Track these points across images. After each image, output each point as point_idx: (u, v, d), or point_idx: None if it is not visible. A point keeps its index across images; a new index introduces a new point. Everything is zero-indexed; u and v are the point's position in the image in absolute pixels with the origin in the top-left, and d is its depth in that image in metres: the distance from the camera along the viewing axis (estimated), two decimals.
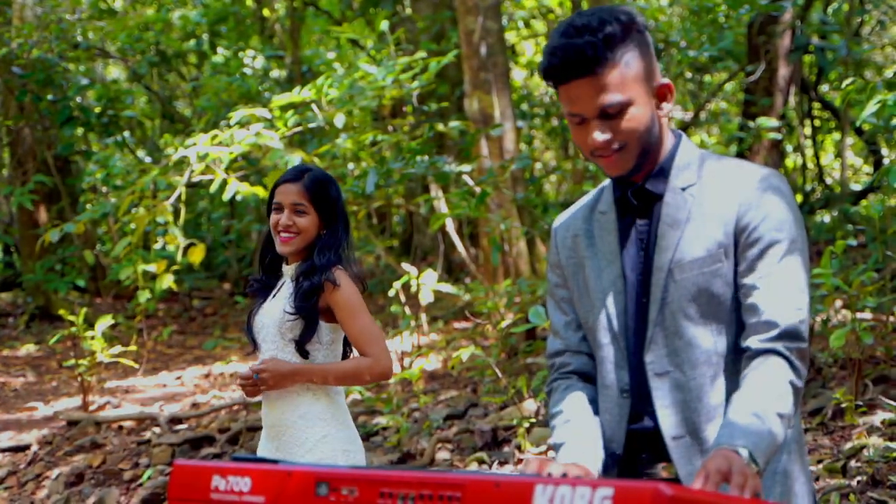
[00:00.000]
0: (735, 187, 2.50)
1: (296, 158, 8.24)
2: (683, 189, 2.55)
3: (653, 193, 2.57)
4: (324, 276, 3.86)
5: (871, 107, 5.78)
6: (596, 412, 2.63)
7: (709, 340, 2.50)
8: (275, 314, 3.90)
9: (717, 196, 2.51)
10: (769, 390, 2.36)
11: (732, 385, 2.49)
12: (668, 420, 2.51)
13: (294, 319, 3.86)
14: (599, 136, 2.47)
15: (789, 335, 2.42)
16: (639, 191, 2.58)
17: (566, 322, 2.72)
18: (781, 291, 2.44)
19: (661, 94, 2.53)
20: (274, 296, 3.97)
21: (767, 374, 2.39)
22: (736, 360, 2.50)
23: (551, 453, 2.64)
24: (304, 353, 3.88)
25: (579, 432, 2.57)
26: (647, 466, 2.59)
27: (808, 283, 2.48)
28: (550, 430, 2.65)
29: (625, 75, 2.45)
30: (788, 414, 2.36)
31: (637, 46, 2.48)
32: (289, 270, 3.99)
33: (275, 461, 2.20)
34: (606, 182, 2.70)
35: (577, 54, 2.41)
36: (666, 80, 2.54)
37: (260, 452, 3.99)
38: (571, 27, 2.44)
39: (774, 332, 2.42)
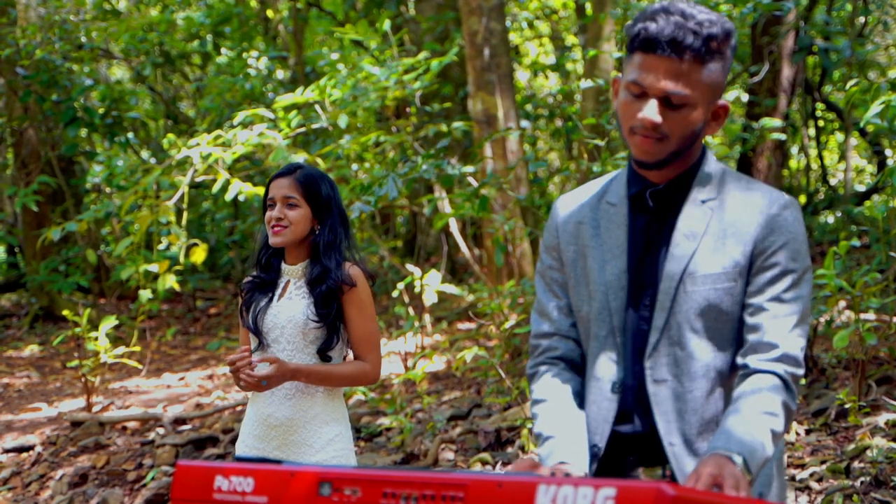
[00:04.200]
0: (758, 210, 2.51)
1: (299, 159, 8.25)
2: (703, 202, 2.55)
3: (671, 199, 2.58)
4: (339, 277, 3.90)
5: (875, 108, 5.78)
6: (581, 405, 2.63)
7: (710, 355, 2.52)
8: (294, 317, 3.91)
9: (737, 215, 2.52)
10: (766, 407, 2.39)
11: (728, 402, 2.52)
12: (664, 427, 2.52)
13: (319, 326, 3.89)
14: (653, 115, 2.46)
15: (789, 360, 2.46)
16: (657, 194, 2.59)
17: (558, 305, 2.70)
18: (787, 318, 2.47)
19: (716, 113, 2.55)
20: (280, 296, 3.98)
21: (765, 392, 2.41)
22: (734, 378, 2.53)
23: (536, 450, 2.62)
24: (326, 358, 3.93)
25: (567, 428, 2.56)
26: (629, 469, 2.59)
27: (809, 313, 2.52)
28: (533, 416, 2.64)
29: (702, 77, 2.46)
30: (780, 433, 2.40)
31: (723, 61, 2.49)
32: (291, 270, 4.00)
33: (278, 461, 2.20)
34: (615, 173, 2.70)
35: (677, 33, 2.42)
36: (724, 102, 2.54)
37: (248, 453, 3.97)
38: (685, 8, 2.45)
39: (776, 354, 2.45)
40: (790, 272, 2.48)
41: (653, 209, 2.59)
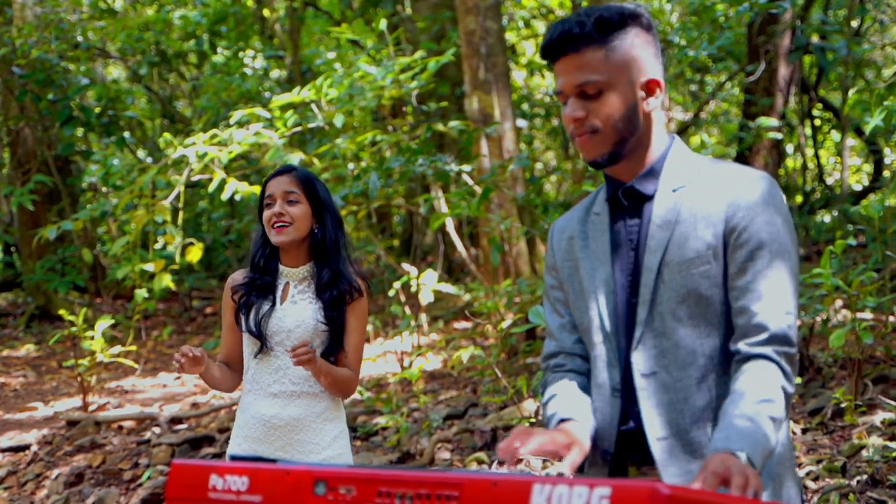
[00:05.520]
0: (725, 189, 2.50)
1: (295, 158, 8.24)
2: (674, 191, 2.55)
3: (642, 194, 2.58)
4: (350, 283, 3.91)
5: (878, 117, 5.78)
6: (588, 396, 2.64)
7: (696, 342, 2.50)
8: (304, 321, 3.89)
9: (707, 198, 2.51)
10: (762, 395, 2.36)
11: (720, 388, 2.50)
12: (652, 421, 2.51)
13: (327, 330, 3.89)
14: (573, 111, 2.51)
15: (779, 339, 2.43)
16: (629, 191, 2.60)
17: (561, 324, 2.73)
18: (771, 295, 2.44)
19: (648, 89, 2.55)
20: (283, 299, 3.95)
21: (759, 379, 2.39)
22: (724, 363, 2.50)
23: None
24: (330, 363, 3.92)
25: (569, 401, 2.59)
26: (638, 467, 2.59)
27: (797, 287, 2.48)
28: (543, 415, 2.66)
29: (609, 59, 2.49)
30: (780, 418, 2.36)
31: (633, 38, 2.52)
32: (291, 273, 3.97)
33: (273, 460, 2.20)
34: (602, 185, 2.72)
35: (566, 31, 2.49)
36: (655, 76, 2.55)
37: (244, 453, 3.93)
38: (575, 12, 2.53)
39: (764, 336, 2.42)
40: (765, 246, 2.45)
41: (628, 207, 2.61)
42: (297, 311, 3.91)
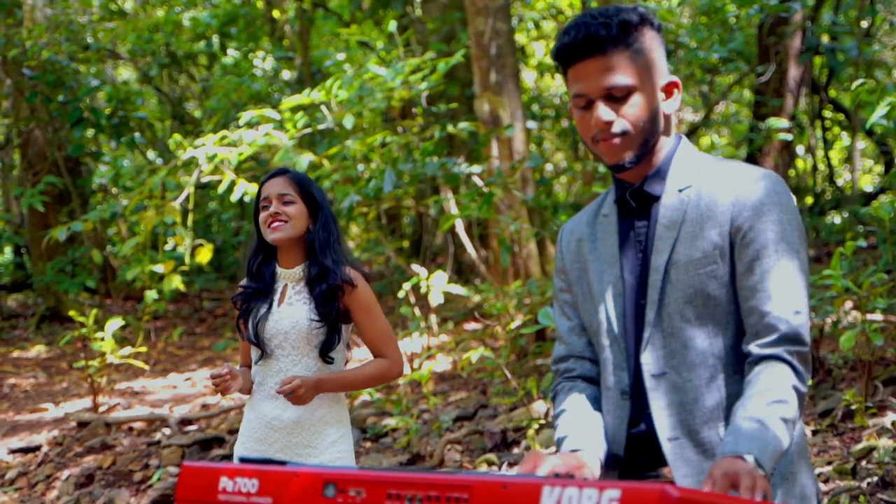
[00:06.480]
0: (731, 189, 2.49)
1: (305, 159, 8.24)
2: (680, 191, 2.55)
3: (650, 195, 2.58)
4: (340, 277, 3.88)
5: (881, 110, 5.76)
6: (599, 410, 2.63)
7: (705, 342, 2.50)
8: (298, 322, 3.88)
9: (713, 198, 2.51)
10: (773, 396, 2.35)
11: (730, 388, 2.49)
12: (663, 422, 2.51)
13: (320, 327, 3.88)
14: (604, 114, 2.49)
15: (790, 339, 2.42)
16: (637, 192, 2.59)
17: (570, 327, 2.72)
18: (781, 294, 2.42)
19: (667, 91, 2.56)
20: (280, 302, 3.96)
21: (771, 380, 2.38)
22: (734, 363, 2.50)
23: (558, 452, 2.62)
24: (329, 360, 3.91)
25: (580, 424, 2.57)
26: (649, 470, 2.59)
27: (807, 284, 2.47)
28: (554, 429, 2.66)
29: (634, 62, 2.49)
30: (793, 419, 2.35)
31: (650, 40, 2.52)
32: (288, 274, 3.98)
33: (282, 462, 2.20)
34: (611, 187, 2.71)
35: (591, 33, 2.46)
36: (674, 78, 2.56)
37: (249, 454, 3.95)
38: (588, 13, 2.50)
39: (775, 336, 2.41)
40: (773, 245, 2.44)
41: (636, 209, 2.60)
42: (292, 312, 3.91)
